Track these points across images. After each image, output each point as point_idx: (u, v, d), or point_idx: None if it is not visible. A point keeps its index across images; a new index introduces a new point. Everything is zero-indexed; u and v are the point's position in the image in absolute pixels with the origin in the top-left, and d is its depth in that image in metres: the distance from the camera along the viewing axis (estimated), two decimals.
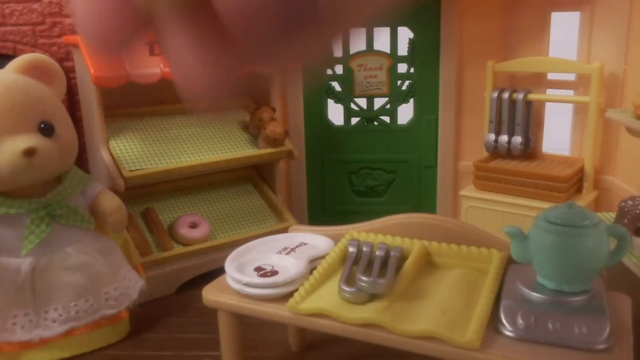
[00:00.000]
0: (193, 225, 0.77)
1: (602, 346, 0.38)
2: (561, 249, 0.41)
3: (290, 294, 0.47)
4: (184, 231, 0.75)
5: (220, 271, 0.51)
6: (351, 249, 0.52)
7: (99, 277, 0.62)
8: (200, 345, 0.62)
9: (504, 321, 0.41)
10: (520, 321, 0.40)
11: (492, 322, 0.42)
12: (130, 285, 0.65)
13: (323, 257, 0.53)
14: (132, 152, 0.73)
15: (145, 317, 0.69)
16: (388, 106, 0.97)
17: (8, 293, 0.58)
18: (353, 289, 0.45)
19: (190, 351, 0.61)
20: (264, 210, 0.85)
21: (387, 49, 0.94)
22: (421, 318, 0.42)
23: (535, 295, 0.42)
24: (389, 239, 0.53)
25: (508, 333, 0.41)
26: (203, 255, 0.76)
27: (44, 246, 0.59)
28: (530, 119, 0.87)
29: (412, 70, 0.95)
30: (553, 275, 0.42)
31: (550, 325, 0.40)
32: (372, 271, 0.47)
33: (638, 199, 0.67)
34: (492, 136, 0.89)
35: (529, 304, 0.42)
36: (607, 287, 0.46)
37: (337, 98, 0.96)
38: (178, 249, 0.74)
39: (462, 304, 0.44)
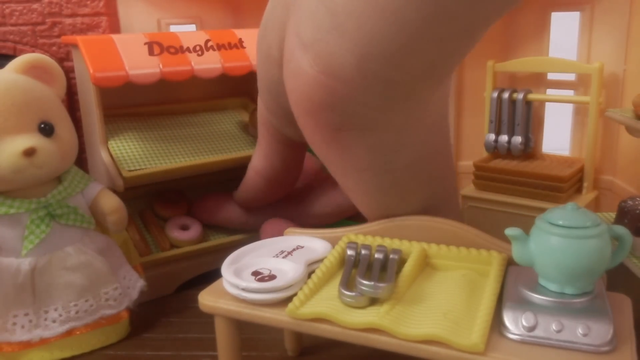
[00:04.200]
0: (184, 227, 0.76)
1: (606, 348, 0.38)
2: (564, 250, 0.41)
3: (289, 299, 0.46)
4: (176, 233, 0.75)
5: (218, 272, 0.51)
6: (349, 252, 0.51)
7: (99, 277, 0.61)
8: (200, 345, 0.62)
9: (507, 324, 0.41)
10: (523, 323, 0.40)
11: (495, 325, 0.42)
12: (130, 285, 0.65)
13: (321, 260, 0.52)
14: (132, 152, 0.73)
15: (145, 317, 0.68)
16: None
17: (8, 293, 0.58)
18: (354, 293, 0.45)
19: (190, 351, 0.61)
20: None
21: None
22: (423, 321, 0.42)
23: (537, 297, 0.42)
24: (387, 242, 0.52)
25: (511, 336, 0.41)
26: (201, 256, 0.76)
27: (43, 246, 0.59)
28: (530, 119, 0.87)
29: None
30: (555, 277, 0.42)
31: (553, 328, 0.39)
32: (372, 275, 0.46)
33: (638, 199, 0.67)
34: (492, 136, 0.89)
35: (532, 306, 0.42)
36: (607, 288, 0.46)
37: None
38: (176, 250, 0.74)
39: (464, 307, 0.44)
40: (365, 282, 0.44)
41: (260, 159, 0.68)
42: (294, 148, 0.65)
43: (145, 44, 0.71)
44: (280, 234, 0.65)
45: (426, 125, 0.48)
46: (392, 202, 0.53)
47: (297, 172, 0.71)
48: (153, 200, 0.79)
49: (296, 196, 0.76)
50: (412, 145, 0.48)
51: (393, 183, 0.50)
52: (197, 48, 0.74)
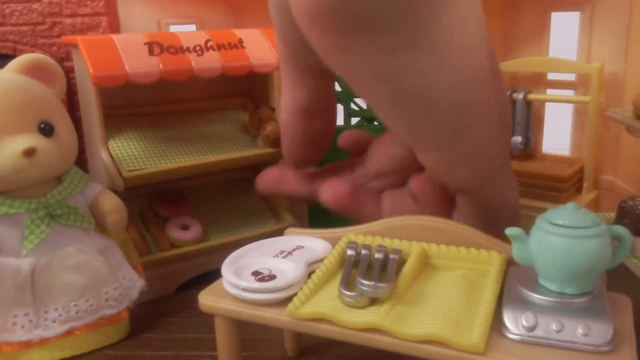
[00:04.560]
0: (184, 227, 0.76)
1: (606, 348, 0.38)
2: (564, 250, 0.41)
3: (289, 299, 0.46)
4: (176, 233, 0.75)
5: (218, 272, 0.51)
6: (349, 252, 0.51)
7: (99, 277, 0.61)
8: (200, 345, 0.62)
9: (507, 324, 0.41)
10: (523, 323, 0.40)
11: (495, 325, 0.42)
12: (130, 285, 0.65)
13: (321, 260, 0.52)
14: (131, 152, 0.73)
15: (145, 317, 0.68)
16: None
17: (8, 293, 0.58)
18: (354, 293, 0.45)
19: (190, 351, 0.61)
20: (262, 211, 0.85)
21: None
22: (424, 321, 0.42)
23: (537, 297, 0.42)
24: (387, 242, 0.52)
25: (511, 336, 0.41)
26: (201, 256, 0.76)
27: (44, 246, 0.59)
28: (530, 119, 0.87)
29: None
30: (556, 277, 0.42)
31: (553, 328, 0.39)
32: (372, 275, 0.46)
33: (638, 199, 0.67)
34: None
35: (532, 306, 0.42)
36: (606, 287, 0.46)
37: (337, 98, 0.95)
38: (176, 250, 0.74)
39: (464, 306, 0.44)
40: (365, 282, 0.44)
41: (286, 96, 0.63)
42: (317, 77, 0.60)
43: (145, 44, 0.71)
44: (339, 192, 0.62)
45: (450, 31, 0.40)
46: (421, 119, 0.44)
47: (328, 103, 0.65)
48: (153, 200, 0.79)
49: (355, 163, 0.73)
50: (434, 46, 0.40)
51: (416, 92, 0.42)
52: (197, 48, 0.74)
